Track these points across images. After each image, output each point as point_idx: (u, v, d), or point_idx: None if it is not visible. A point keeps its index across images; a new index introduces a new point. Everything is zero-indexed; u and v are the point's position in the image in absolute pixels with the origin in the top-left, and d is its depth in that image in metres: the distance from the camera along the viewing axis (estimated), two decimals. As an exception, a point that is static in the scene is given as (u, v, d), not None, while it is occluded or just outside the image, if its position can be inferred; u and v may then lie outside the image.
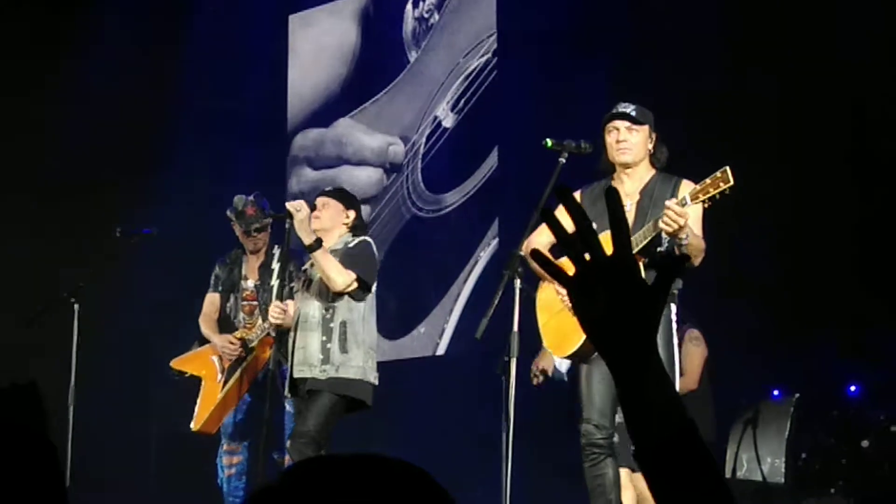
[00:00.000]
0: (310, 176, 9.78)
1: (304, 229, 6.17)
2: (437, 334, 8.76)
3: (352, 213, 6.47)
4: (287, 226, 6.28)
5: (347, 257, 6.30)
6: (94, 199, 8.87)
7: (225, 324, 7.12)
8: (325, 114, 9.80)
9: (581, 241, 1.66)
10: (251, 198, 7.06)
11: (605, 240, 5.44)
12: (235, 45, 9.80)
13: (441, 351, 8.74)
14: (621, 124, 5.53)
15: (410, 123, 9.18)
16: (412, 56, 9.29)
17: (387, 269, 8.51)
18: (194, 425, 6.96)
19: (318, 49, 9.88)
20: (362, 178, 9.18)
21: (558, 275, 1.67)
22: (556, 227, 1.68)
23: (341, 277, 6.21)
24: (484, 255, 8.59)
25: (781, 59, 7.20)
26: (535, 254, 1.75)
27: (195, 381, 7.06)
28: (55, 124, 9.04)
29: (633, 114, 5.52)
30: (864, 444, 6.70)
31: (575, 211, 1.67)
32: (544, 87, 8.03)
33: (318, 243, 6.20)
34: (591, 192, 5.64)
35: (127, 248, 7.42)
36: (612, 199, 1.69)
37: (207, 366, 7.02)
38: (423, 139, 9.08)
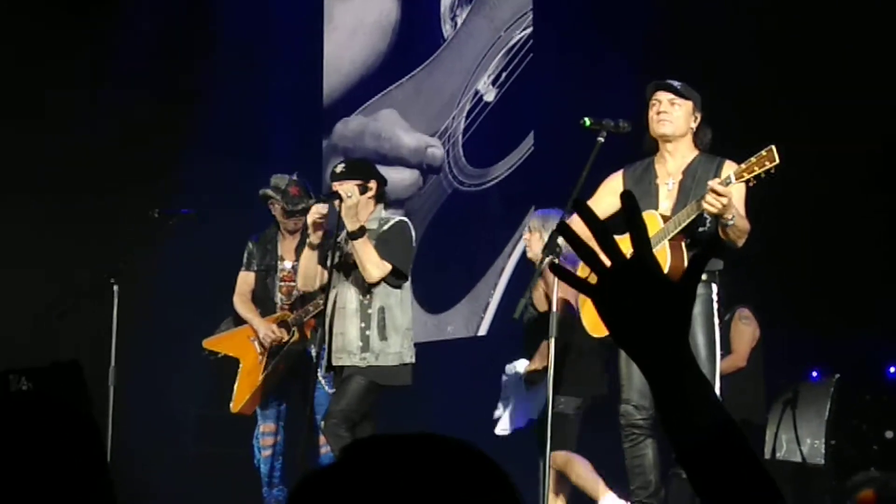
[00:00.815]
0: None
1: (351, 215, 6.09)
2: (480, 310, 8.73)
3: (373, 183, 6.31)
4: (336, 207, 6.14)
5: (382, 244, 6.23)
6: (131, 181, 8.88)
7: (260, 303, 7.09)
8: (362, 90, 9.72)
9: (601, 248, 1.63)
10: (294, 177, 7.04)
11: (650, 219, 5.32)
12: (270, 18, 9.77)
13: (483, 332, 8.72)
14: (664, 96, 5.49)
15: (451, 98, 9.10)
16: (448, 31, 9.22)
17: (429, 242, 8.51)
18: (234, 407, 6.96)
19: (355, 24, 9.81)
20: (396, 180, 9.12)
21: (580, 285, 1.65)
22: (574, 237, 1.67)
23: (377, 270, 6.16)
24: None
25: (813, 53, 7.11)
26: (555, 268, 1.74)
27: (232, 362, 7.06)
28: (88, 105, 9.06)
29: (677, 86, 5.48)
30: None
31: (591, 221, 1.63)
32: (580, 67, 7.97)
33: (362, 231, 6.13)
34: (633, 172, 5.61)
35: (165, 229, 7.42)
36: (628, 202, 1.64)
37: (245, 347, 7.00)
38: (465, 114, 9.01)
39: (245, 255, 7.15)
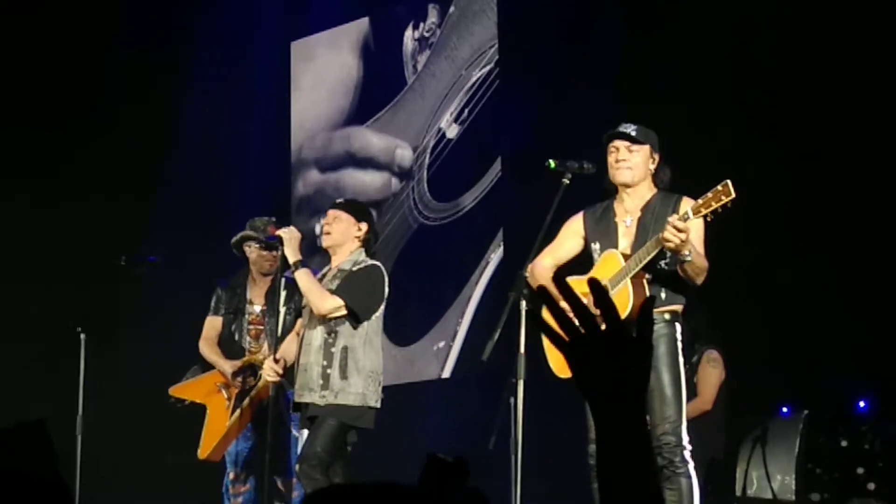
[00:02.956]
0: (315, 178, 9.80)
1: (292, 248, 6.25)
2: (444, 352, 8.77)
3: (364, 226, 6.42)
4: (280, 252, 6.33)
5: (344, 281, 6.27)
6: (97, 225, 8.86)
7: (226, 347, 7.06)
8: (326, 143, 9.83)
9: (577, 317, 1.84)
10: (272, 219, 7.10)
11: (604, 264, 5.41)
12: (237, 72, 9.82)
13: (447, 374, 8.74)
14: (621, 144, 5.53)
15: (414, 137, 9.24)
16: (410, 78, 9.33)
17: (395, 279, 8.55)
18: (201, 453, 6.92)
19: (318, 82, 9.93)
20: (367, 182, 9.20)
21: (555, 339, 1.86)
22: (552, 303, 1.89)
23: (322, 302, 6.20)
24: (491, 262, 8.63)
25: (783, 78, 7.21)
26: (533, 317, 2.00)
27: (199, 409, 7.02)
28: (54, 150, 9.06)
29: (633, 133, 5.52)
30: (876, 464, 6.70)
31: (569, 298, 1.86)
32: (546, 95, 8.09)
33: (301, 264, 6.24)
34: (593, 213, 5.65)
35: (132, 277, 7.40)
36: (595, 290, 1.86)
37: (212, 393, 6.97)
38: (428, 150, 9.13)
39: (213, 299, 7.14)
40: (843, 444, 6.82)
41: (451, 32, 9.12)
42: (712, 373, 6.94)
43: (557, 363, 5.59)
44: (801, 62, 7.15)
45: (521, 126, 8.18)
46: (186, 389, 7.05)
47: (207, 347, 7.06)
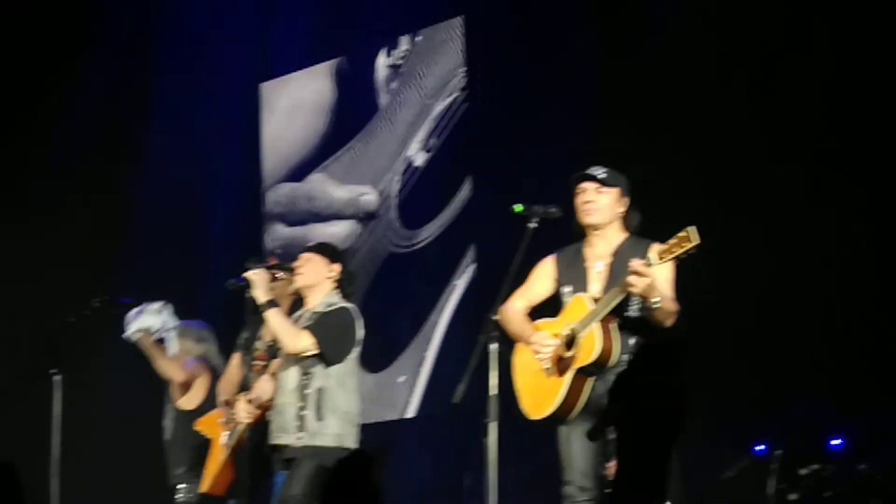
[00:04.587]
0: (283, 233, 9.84)
1: (260, 289, 6.24)
2: (407, 387, 8.85)
3: (336, 267, 6.41)
4: (248, 295, 6.31)
5: (316, 324, 6.27)
6: (71, 270, 8.86)
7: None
8: (300, 167, 9.90)
9: None
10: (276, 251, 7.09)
11: (573, 308, 5.45)
12: (205, 112, 9.85)
13: (412, 412, 8.82)
14: (589, 185, 5.53)
15: (383, 167, 9.31)
16: (383, 102, 9.43)
17: (367, 308, 8.61)
18: (202, 487, 6.94)
19: (293, 105, 9.97)
20: (334, 234, 9.23)
21: None
22: None
23: (292, 340, 6.20)
24: (457, 288, 8.69)
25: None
26: None
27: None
28: (24, 193, 9.07)
29: (601, 176, 5.53)
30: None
31: None
32: (514, 122, 8.19)
33: (272, 304, 6.25)
34: (564, 256, 5.65)
35: (106, 318, 7.40)
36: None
37: (215, 427, 6.98)
38: (397, 180, 9.20)
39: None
40: (817, 482, 6.82)
41: (417, 61, 9.21)
42: None
43: (530, 404, 5.60)
44: (778, 96, 7.18)
45: (489, 153, 8.25)
46: (204, 422, 7.07)
47: (220, 383, 7.05)
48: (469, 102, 8.79)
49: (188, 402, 7.44)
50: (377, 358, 8.82)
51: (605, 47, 7.73)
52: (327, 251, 6.50)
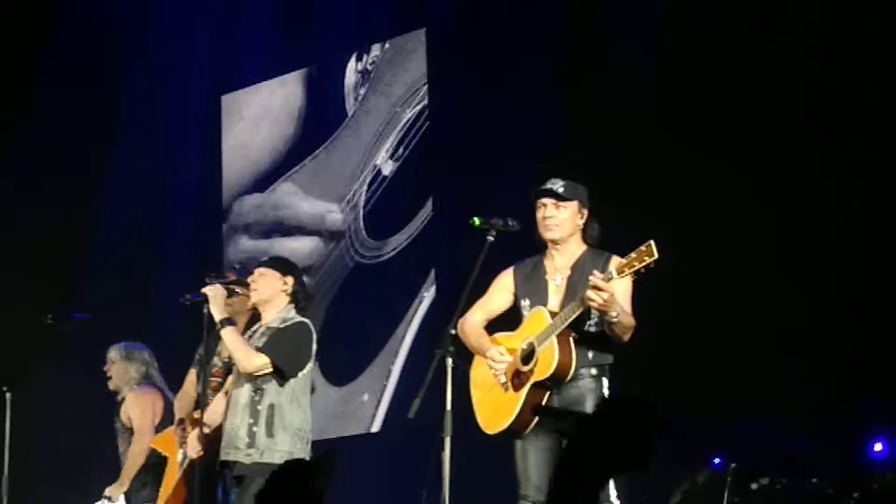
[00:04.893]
0: (246, 245, 9.81)
1: (217, 306, 6.26)
2: (372, 404, 8.79)
3: (290, 280, 6.39)
4: (205, 310, 6.30)
5: (271, 339, 6.25)
6: (24, 284, 8.79)
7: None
8: (267, 175, 9.87)
9: None
10: (236, 266, 7.05)
11: (532, 321, 5.43)
12: (169, 125, 9.81)
13: (376, 428, 8.75)
14: (548, 200, 5.54)
15: (351, 174, 9.30)
16: (351, 108, 9.43)
17: (332, 320, 8.58)
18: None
19: (262, 112, 9.95)
20: (298, 249, 9.20)
21: None
22: None
23: (248, 360, 6.18)
24: (425, 301, 8.69)
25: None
26: None
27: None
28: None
29: (560, 190, 5.53)
30: None
31: None
32: (475, 136, 8.21)
33: (228, 322, 6.25)
34: (523, 269, 5.65)
35: (60, 335, 7.33)
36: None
37: (171, 444, 6.92)
38: (364, 188, 9.17)
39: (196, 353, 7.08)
40: (771, 495, 6.86)
41: (385, 69, 9.22)
42: None
43: (486, 419, 5.60)
44: (722, 98, 7.23)
45: (452, 166, 8.26)
46: (158, 441, 7.01)
47: (177, 400, 6.99)
48: (429, 120, 8.80)
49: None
50: (343, 371, 8.81)
51: (569, 59, 7.76)
52: (280, 265, 6.48)
